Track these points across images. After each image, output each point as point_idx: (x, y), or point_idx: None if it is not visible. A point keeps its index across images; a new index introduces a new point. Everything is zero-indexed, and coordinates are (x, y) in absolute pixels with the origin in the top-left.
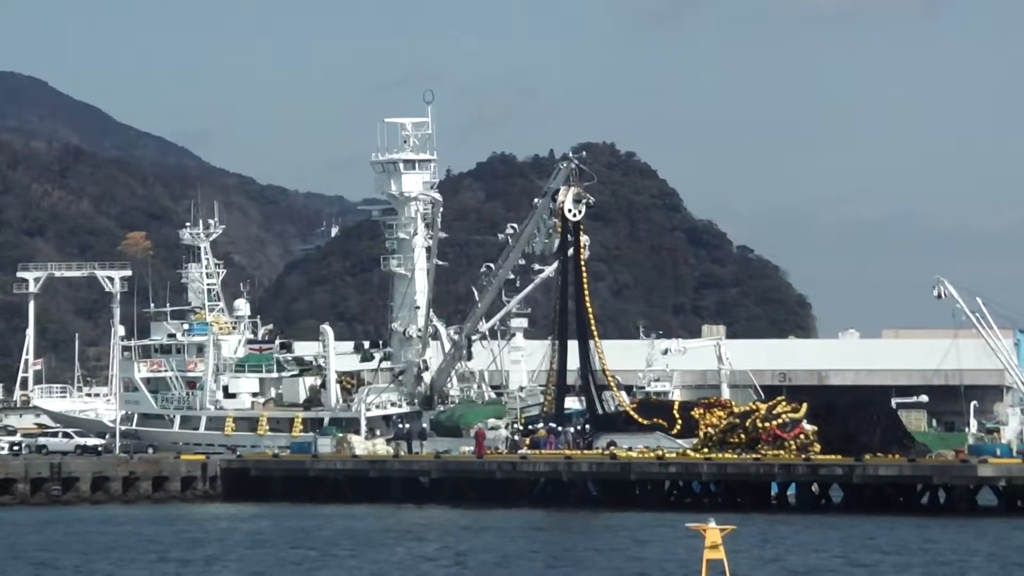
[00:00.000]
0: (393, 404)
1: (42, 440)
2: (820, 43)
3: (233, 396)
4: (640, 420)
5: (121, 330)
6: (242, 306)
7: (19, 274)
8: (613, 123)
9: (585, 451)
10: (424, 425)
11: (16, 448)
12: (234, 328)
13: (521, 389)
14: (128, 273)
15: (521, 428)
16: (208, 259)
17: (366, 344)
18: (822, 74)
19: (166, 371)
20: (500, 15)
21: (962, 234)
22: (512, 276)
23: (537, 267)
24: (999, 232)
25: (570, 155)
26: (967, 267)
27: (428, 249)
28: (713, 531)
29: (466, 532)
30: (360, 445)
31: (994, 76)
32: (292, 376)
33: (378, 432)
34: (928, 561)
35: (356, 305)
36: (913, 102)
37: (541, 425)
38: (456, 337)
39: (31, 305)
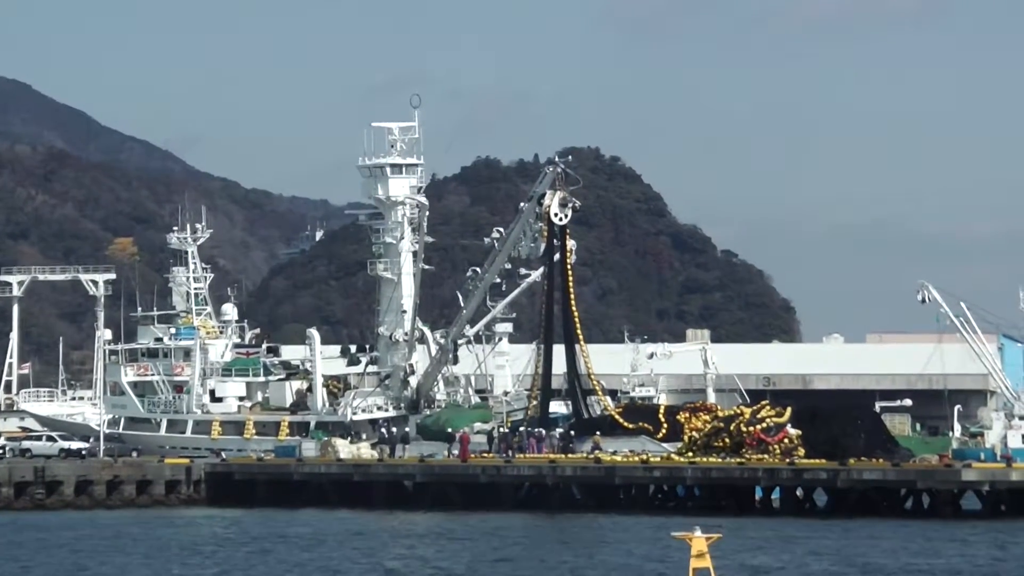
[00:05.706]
0: (379, 408)
1: (26, 444)
2: (806, 49)
3: (220, 400)
4: (626, 424)
5: (108, 334)
6: (229, 310)
7: (2, 277)
8: (598, 128)
9: (568, 455)
10: (407, 429)
11: None
12: (221, 332)
13: (506, 393)
14: (112, 277)
15: (507, 432)
16: (195, 263)
17: (353, 348)
18: (808, 80)
19: (153, 375)
20: (486, 21)
21: (946, 239)
22: (498, 280)
23: (523, 271)
24: (983, 237)
25: (556, 159)
26: (951, 272)
27: (414, 253)
28: (699, 540)
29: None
30: (344, 449)
31: (981, 83)
32: (279, 380)
33: (363, 436)
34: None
35: (341, 309)
36: (899, 108)
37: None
38: (442, 341)
39: (15, 308)
